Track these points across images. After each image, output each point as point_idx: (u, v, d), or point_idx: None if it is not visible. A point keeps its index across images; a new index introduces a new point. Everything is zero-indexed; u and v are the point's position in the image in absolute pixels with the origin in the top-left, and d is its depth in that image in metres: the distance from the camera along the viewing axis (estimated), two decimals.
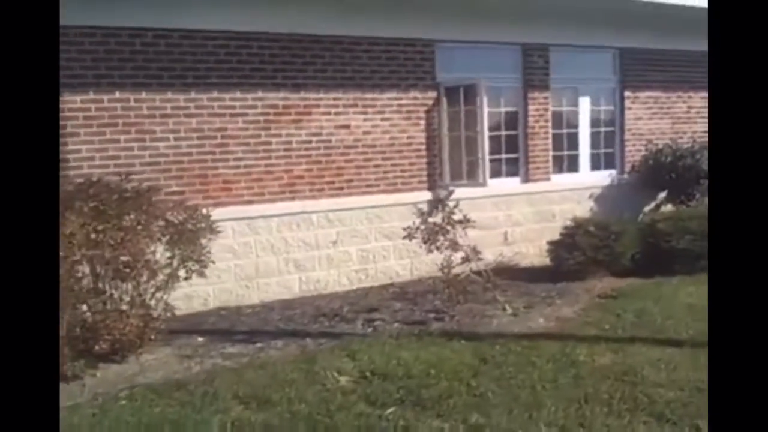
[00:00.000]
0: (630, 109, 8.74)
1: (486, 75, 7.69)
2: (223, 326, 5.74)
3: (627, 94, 8.69)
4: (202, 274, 5.17)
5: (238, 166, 6.54)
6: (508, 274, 7.32)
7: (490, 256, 7.73)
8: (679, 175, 8.29)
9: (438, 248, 5.41)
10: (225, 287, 6.55)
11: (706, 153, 8.13)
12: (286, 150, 6.72)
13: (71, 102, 5.77)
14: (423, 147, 7.41)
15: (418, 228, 5.30)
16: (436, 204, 5.45)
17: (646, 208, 8.68)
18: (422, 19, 7.11)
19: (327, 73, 6.84)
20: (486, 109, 7.72)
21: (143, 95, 6.11)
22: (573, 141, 8.48)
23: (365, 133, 7.08)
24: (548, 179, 8.21)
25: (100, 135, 5.91)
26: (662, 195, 8.67)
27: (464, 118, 7.35)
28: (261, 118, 6.60)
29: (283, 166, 6.73)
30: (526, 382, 3.98)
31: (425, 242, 5.30)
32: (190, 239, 4.93)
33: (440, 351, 4.61)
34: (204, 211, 5.24)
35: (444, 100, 7.43)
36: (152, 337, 4.74)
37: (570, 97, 8.42)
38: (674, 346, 4.53)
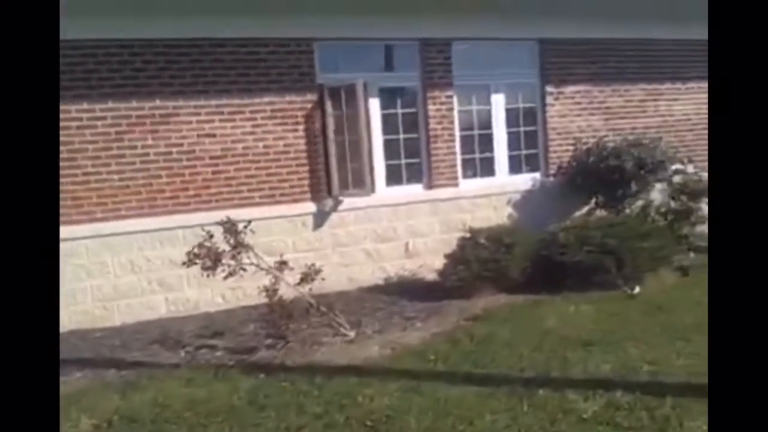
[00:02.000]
0: (553, 105, 7.99)
1: (378, 74, 7.16)
2: None
3: (549, 89, 7.95)
4: None
5: (88, 181, 6.14)
6: (394, 290, 6.74)
7: (391, 269, 7.20)
8: (604, 177, 7.52)
9: (231, 274, 4.85)
10: (81, 309, 6.17)
11: (633, 151, 7.40)
12: (142, 163, 6.30)
13: None
14: (304, 154, 6.87)
15: (197, 254, 4.75)
16: (228, 229, 4.89)
17: (577, 214, 7.91)
18: (299, 18, 6.56)
19: (185, 79, 6.38)
20: (378, 112, 7.20)
21: None
22: (486, 142, 7.80)
23: (234, 141, 6.60)
24: (456, 185, 7.56)
25: None
26: (595, 200, 7.88)
27: (347, 121, 6.79)
28: (112, 129, 6.19)
29: (140, 180, 6.30)
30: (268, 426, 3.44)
31: (205, 269, 4.76)
32: None
33: (216, 389, 4.08)
34: None
35: (328, 103, 6.88)
36: None
37: (481, 94, 7.75)
38: (480, 385, 3.89)
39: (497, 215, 7.68)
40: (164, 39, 6.25)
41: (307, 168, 6.89)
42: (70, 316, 6.11)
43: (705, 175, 7.65)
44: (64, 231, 6.01)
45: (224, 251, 4.80)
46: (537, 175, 8.02)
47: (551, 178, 7.99)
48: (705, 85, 7.97)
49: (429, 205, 7.42)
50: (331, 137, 6.96)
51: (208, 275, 4.77)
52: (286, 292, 5.15)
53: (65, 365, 4.85)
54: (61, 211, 6.04)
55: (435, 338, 5.00)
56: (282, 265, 5.09)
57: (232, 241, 4.84)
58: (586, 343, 4.56)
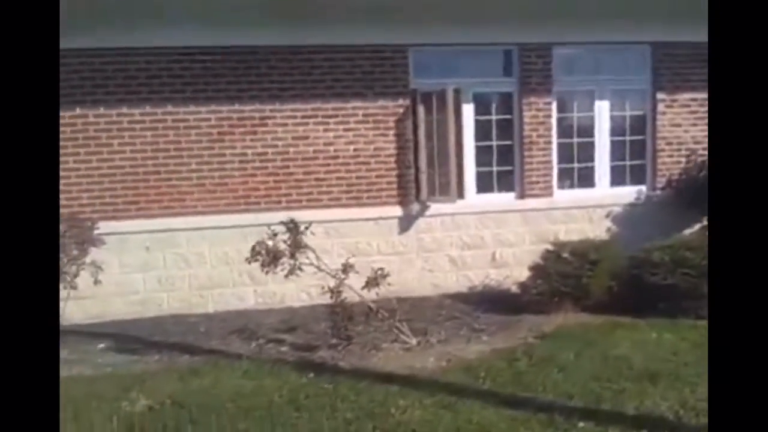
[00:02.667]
0: (664, 113, 7.44)
1: (472, 80, 7.08)
2: (141, 334, 5.88)
3: (661, 96, 7.41)
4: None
5: (191, 178, 6.67)
6: (475, 299, 6.65)
7: (476, 278, 7.13)
8: None
9: (290, 272, 5.00)
10: (179, 295, 6.73)
11: None
12: (240, 162, 6.72)
13: None
14: (393, 159, 6.96)
15: (258, 251, 4.94)
16: (290, 227, 5.05)
17: (687, 232, 7.31)
18: (395, 25, 6.65)
19: (284, 84, 6.71)
20: (471, 117, 7.11)
21: (101, 111, 6.47)
22: (587, 151, 7.43)
23: (326, 144, 6.84)
24: (550, 195, 7.28)
25: (62, 149, 6.31)
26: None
27: (437, 127, 6.79)
28: (214, 130, 6.66)
29: (237, 178, 6.73)
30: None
31: (264, 266, 4.94)
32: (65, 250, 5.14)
33: (264, 384, 4.31)
34: (89, 224, 5.45)
35: (420, 108, 6.92)
36: None
37: (583, 101, 7.39)
38: (519, 409, 3.77)
39: (594, 229, 7.30)
40: (266, 46, 6.60)
41: (395, 172, 6.98)
42: (170, 302, 6.69)
43: None
44: (168, 222, 6.62)
45: (284, 250, 4.98)
46: (643, 187, 7.52)
47: (658, 192, 7.45)
48: None
49: (520, 214, 7.23)
50: (422, 142, 6.99)
51: (266, 272, 4.99)
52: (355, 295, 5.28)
53: (148, 347, 5.37)
54: (167, 203, 6.64)
55: (494, 354, 4.88)
56: (347, 267, 5.20)
57: (290, 241, 5.01)
58: (653, 375, 4.24)
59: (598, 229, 7.31)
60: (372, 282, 5.24)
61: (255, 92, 6.68)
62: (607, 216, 7.37)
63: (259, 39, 6.56)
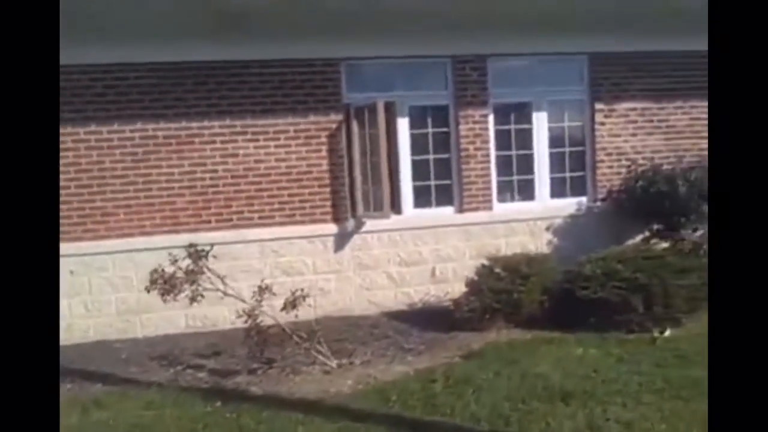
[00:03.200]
0: (603, 124, 7.39)
1: (407, 93, 6.98)
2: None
3: (599, 106, 7.36)
4: None
5: (116, 199, 6.46)
6: (411, 317, 6.50)
7: (416, 295, 6.98)
8: (654, 204, 6.82)
9: (193, 299, 4.82)
10: (106, 321, 6.49)
11: (688, 175, 6.67)
12: (167, 182, 6.53)
13: None
14: (327, 175, 6.82)
15: (154, 280, 4.75)
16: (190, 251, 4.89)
17: (630, 242, 7.23)
18: (326, 38, 6.52)
19: (211, 100, 6.55)
20: (407, 131, 7.00)
21: None
22: (526, 164, 7.34)
23: (257, 161, 6.67)
24: (490, 209, 7.18)
25: None
26: (649, 229, 7.16)
27: (370, 142, 6.66)
28: (139, 149, 6.47)
29: (165, 198, 6.54)
30: None
31: (162, 294, 4.75)
32: None
33: (165, 414, 4.12)
34: None
35: (354, 123, 6.79)
36: None
37: (522, 113, 7.31)
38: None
39: (535, 242, 7.21)
40: (191, 61, 6.45)
41: (329, 189, 6.83)
42: (96, 327, 6.45)
43: None
44: (93, 245, 6.40)
45: (181, 277, 4.78)
46: (583, 199, 7.44)
47: (599, 203, 7.38)
48: None
49: (460, 229, 7.10)
50: (356, 158, 6.86)
51: (165, 300, 4.80)
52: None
53: (63, 375, 5.13)
54: (91, 226, 6.42)
55: (415, 375, 4.72)
56: (263, 289, 5.02)
57: (190, 266, 4.81)
58: (567, 394, 4.11)
59: (539, 242, 7.22)
60: (290, 304, 5.07)
61: (182, 109, 6.51)
62: (548, 228, 7.27)
63: (187, 54, 6.40)
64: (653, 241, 6.98)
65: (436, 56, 7.00)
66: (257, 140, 6.66)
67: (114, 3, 5.88)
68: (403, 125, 7.01)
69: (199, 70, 6.49)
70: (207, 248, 4.98)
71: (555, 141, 7.41)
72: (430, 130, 7.12)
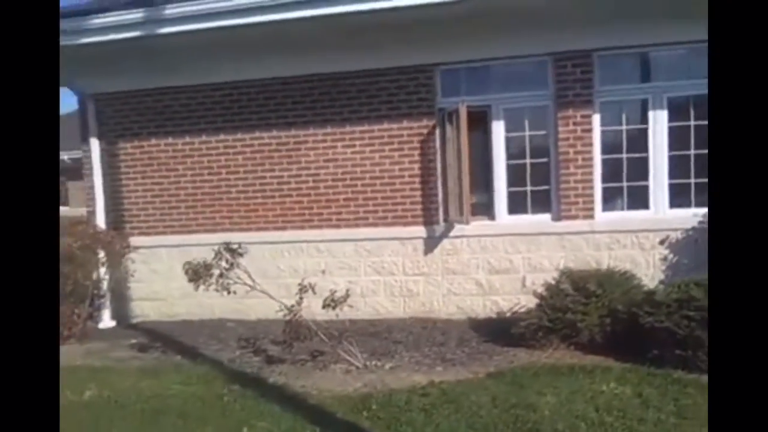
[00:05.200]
0: None
1: (501, 96, 6.80)
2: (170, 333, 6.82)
3: None
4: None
5: (239, 198, 7.45)
6: (490, 326, 6.36)
7: (505, 304, 6.83)
8: None
9: (224, 289, 5.36)
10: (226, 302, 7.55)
11: None
12: (278, 184, 7.32)
13: (123, 148, 7.65)
14: (418, 179, 6.97)
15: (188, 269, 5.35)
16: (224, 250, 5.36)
17: None
18: (419, 44, 6.68)
19: (315, 110, 7.14)
20: (502, 134, 6.83)
21: (169, 140, 7.59)
22: (640, 169, 6.57)
23: (354, 165, 7.10)
24: (591, 217, 6.60)
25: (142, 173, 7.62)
26: None
27: (458, 146, 6.64)
28: (257, 155, 7.35)
29: (276, 198, 7.34)
30: None
31: (191, 281, 5.33)
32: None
33: (184, 390, 4.82)
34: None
35: (448, 128, 6.82)
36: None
37: (635, 112, 6.55)
38: None
39: (646, 257, 6.48)
40: (296, 76, 7.11)
41: (420, 192, 6.97)
42: (220, 306, 7.53)
43: None
44: (220, 237, 7.47)
45: (216, 268, 5.39)
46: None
47: None
48: None
49: (556, 238, 6.69)
50: (450, 162, 6.87)
51: (196, 287, 5.44)
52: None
53: (151, 349, 6.22)
54: (219, 220, 7.51)
55: (423, 386, 4.74)
56: (304, 288, 5.44)
57: (225, 261, 5.40)
58: None
59: (651, 258, 6.47)
60: (329, 304, 5.42)
61: (290, 119, 7.22)
62: (663, 242, 6.45)
63: (292, 69, 7.08)
64: None
65: (534, 55, 6.64)
66: (354, 146, 7.09)
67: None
68: (498, 128, 6.81)
69: (303, 83, 7.13)
70: (236, 247, 5.52)
71: (677, 142, 6.50)
72: (527, 133, 6.80)
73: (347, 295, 5.47)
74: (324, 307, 5.42)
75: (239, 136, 7.39)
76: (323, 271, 7.15)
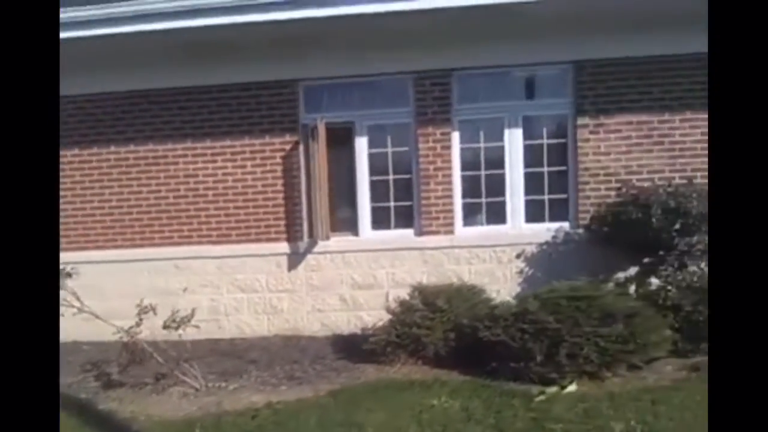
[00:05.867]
0: (587, 140, 6.53)
1: (367, 112, 6.80)
2: None
3: (583, 121, 6.52)
4: None
5: (94, 215, 7.08)
6: (346, 343, 6.28)
7: (369, 319, 6.76)
8: (630, 233, 5.90)
9: None
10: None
11: (670, 201, 5.69)
12: (136, 200, 7.01)
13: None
14: (281, 195, 6.85)
15: None
16: None
17: (621, 275, 6.33)
18: (283, 60, 6.60)
19: (175, 124, 6.91)
20: (365, 151, 6.82)
21: None
22: (498, 185, 6.73)
23: (216, 181, 6.91)
24: (452, 232, 6.69)
25: None
26: (639, 261, 6.19)
27: (315, 161, 6.58)
28: (114, 170, 7.02)
29: (134, 215, 7.03)
30: None
31: None
32: None
33: None
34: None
35: (313, 144, 6.75)
36: None
37: (493, 129, 6.71)
38: None
39: (503, 270, 6.61)
40: (156, 89, 6.86)
41: (283, 209, 6.86)
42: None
43: None
44: (73, 256, 7.07)
45: None
46: (565, 224, 6.64)
47: (580, 230, 6.54)
48: None
49: (419, 253, 6.73)
50: (314, 179, 6.79)
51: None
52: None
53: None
54: (73, 238, 7.10)
55: (261, 408, 4.60)
56: (144, 309, 5.20)
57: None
58: None
59: (508, 271, 6.61)
60: (170, 325, 5.20)
61: (148, 132, 6.95)
62: (519, 256, 6.61)
63: (151, 82, 6.83)
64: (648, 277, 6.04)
65: (397, 73, 6.70)
66: (215, 161, 6.90)
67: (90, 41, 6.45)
68: (361, 145, 6.81)
69: (162, 96, 6.89)
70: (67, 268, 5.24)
71: (532, 160, 6.70)
72: (390, 149, 6.84)
73: (192, 315, 5.26)
74: (165, 327, 5.18)
75: (95, 150, 7.04)
76: (184, 290, 6.87)
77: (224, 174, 6.89)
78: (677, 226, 5.57)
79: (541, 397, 4.48)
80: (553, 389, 4.64)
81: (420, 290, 5.78)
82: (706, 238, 5.58)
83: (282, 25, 6.01)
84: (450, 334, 5.36)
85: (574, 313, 4.89)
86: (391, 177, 6.85)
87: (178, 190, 6.95)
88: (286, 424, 4.20)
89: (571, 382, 4.71)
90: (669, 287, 5.44)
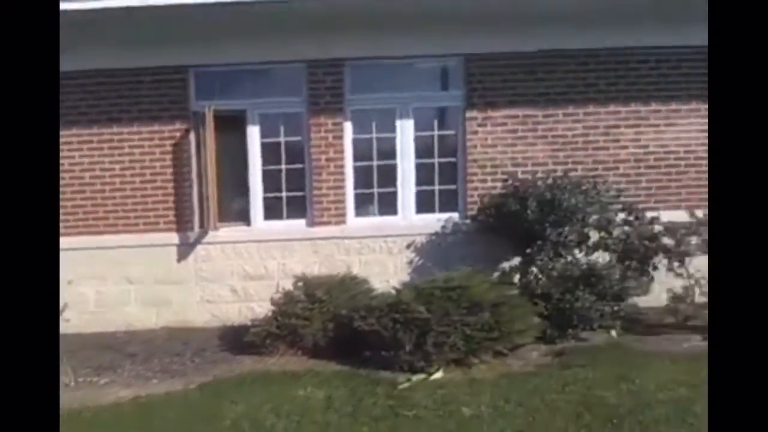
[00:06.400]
0: (476, 133, 6.67)
1: (257, 101, 6.72)
2: None
3: (472, 114, 6.65)
4: None
5: None
6: (231, 333, 6.26)
7: (259, 310, 6.72)
8: (511, 224, 6.08)
9: None
10: None
11: (546, 194, 5.87)
12: None
13: None
14: (171, 184, 6.73)
15: None
16: None
17: (506, 265, 6.51)
18: (174, 46, 6.44)
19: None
20: (257, 140, 6.76)
21: None
22: (389, 176, 6.80)
23: (103, 170, 6.71)
24: (343, 223, 6.74)
25: None
26: (522, 251, 6.38)
27: (204, 150, 6.49)
28: None
29: None
30: None
31: None
32: None
33: None
34: None
35: (204, 132, 6.64)
36: None
37: (385, 120, 6.77)
38: None
39: (394, 260, 6.70)
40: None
41: (173, 198, 6.74)
42: None
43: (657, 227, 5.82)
44: None
45: None
46: (455, 215, 6.78)
47: (468, 221, 6.69)
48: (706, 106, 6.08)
49: (310, 243, 6.74)
50: (203, 167, 6.70)
51: None
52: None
53: None
54: None
55: (125, 402, 4.53)
56: None
57: None
58: None
59: (399, 261, 6.71)
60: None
61: None
62: (409, 246, 6.71)
63: None
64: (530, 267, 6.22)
65: (290, 61, 6.66)
66: (101, 148, 6.71)
67: None
68: (253, 133, 6.75)
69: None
70: None
71: (423, 151, 6.80)
72: (282, 138, 6.81)
73: (64, 308, 5.11)
74: None
75: None
76: (70, 282, 6.67)
77: (111, 162, 6.71)
78: (551, 218, 5.77)
79: (405, 385, 4.59)
80: (420, 377, 4.76)
81: (304, 281, 5.81)
82: (579, 228, 5.83)
83: (173, 9, 5.87)
84: (329, 324, 5.41)
85: (446, 303, 5.02)
86: (283, 167, 6.82)
87: (63, 178, 6.71)
88: (146, 418, 4.16)
89: (437, 370, 4.85)
90: (540, 276, 5.64)
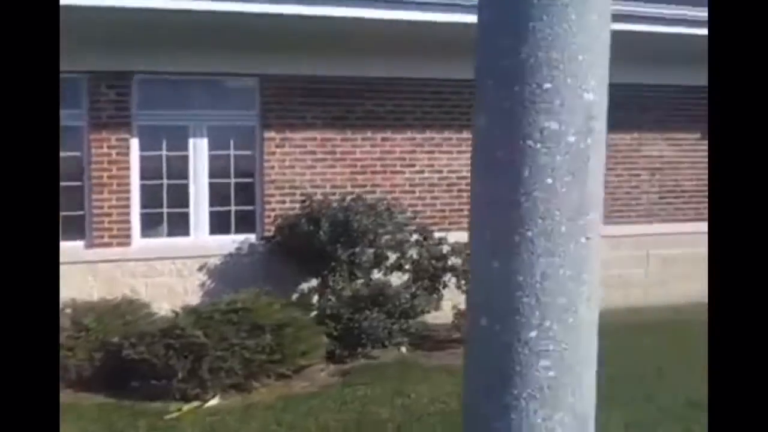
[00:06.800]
0: (273, 154, 6.57)
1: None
2: None
3: (269, 134, 6.55)
4: None
5: None
6: None
7: None
8: (304, 248, 6.01)
9: None
10: None
11: (339, 215, 5.85)
12: None
13: None
14: None
15: None
16: None
17: (305, 286, 6.38)
18: None
19: None
20: None
21: None
22: (180, 195, 6.45)
23: None
24: (128, 244, 6.25)
25: None
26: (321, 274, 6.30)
27: None
28: None
29: None
30: None
31: None
32: None
33: None
34: None
35: None
36: None
37: (176, 137, 6.44)
38: None
39: (184, 283, 6.31)
40: None
41: None
42: None
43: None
44: None
45: None
46: (252, 236, 6.57)
47: (264, 242, 6.52)
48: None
49: (89, 267, 6.15)
50: None
51: None
52: None
53: None
54: None
55: None
56: None
57: None
58: None
59: (189, 284, 6.32)
60: None
61: None
62: (201, 269, 6.37)
63: None
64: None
65: (70, 72, 6.10)
66: None
67: None
68: None
69: None
70: None
71: (219, 171, 6.55)
72: (61, 153, 6.18)
73: None
74: None
75: None
76: None
77: None
78: (342, 239, 5.77)
79: (173, 415, 4.26)
80: (194, 405, 4.44)
81: (72, 307, 5.25)
82: (371, 249, 5.89)
83: None
84: (96, 354, 4.90)
85: (225, 327, 4.78)
86: (60, 184, 6.19)
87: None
88: None
89: (213, 397, 4.56)
90: (330, 297, 5.60)
